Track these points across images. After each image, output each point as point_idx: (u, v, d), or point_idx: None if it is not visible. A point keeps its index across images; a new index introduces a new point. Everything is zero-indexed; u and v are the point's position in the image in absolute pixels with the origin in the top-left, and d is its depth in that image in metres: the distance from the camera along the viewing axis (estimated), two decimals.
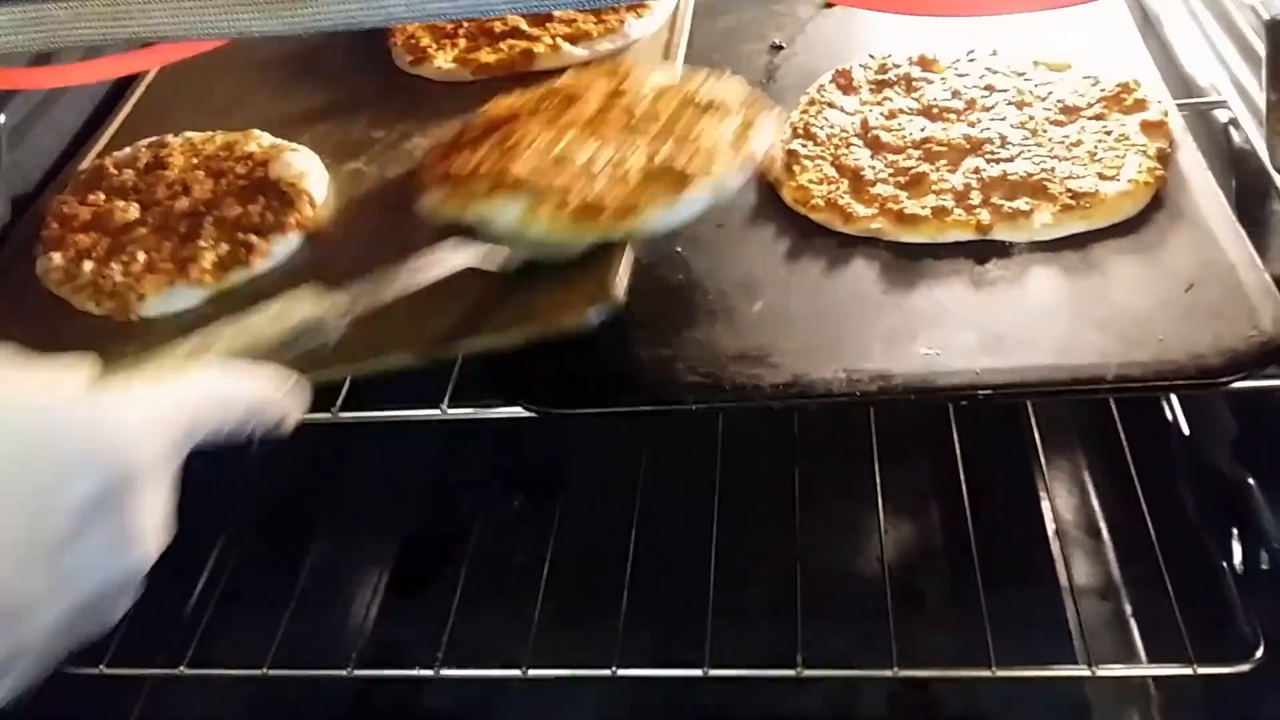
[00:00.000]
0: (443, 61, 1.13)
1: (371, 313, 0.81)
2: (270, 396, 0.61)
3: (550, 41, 1.08)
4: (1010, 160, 0.93)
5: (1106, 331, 0.80)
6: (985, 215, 0.88)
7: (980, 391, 0.78)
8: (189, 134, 1.10)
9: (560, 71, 0.98)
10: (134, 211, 1.00)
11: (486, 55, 1.10)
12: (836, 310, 0.85)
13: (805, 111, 1.03)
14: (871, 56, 1.08)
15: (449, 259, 0.79)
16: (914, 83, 1.04)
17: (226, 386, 0.59)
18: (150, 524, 0.51)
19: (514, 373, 0.85)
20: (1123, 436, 1.17)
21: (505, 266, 0.81)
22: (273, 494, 1.40)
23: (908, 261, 0.88)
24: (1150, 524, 1.09)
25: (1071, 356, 0.79)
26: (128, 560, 0.50)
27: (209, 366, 0.62)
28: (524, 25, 1.12)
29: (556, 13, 1.09)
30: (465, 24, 1.15)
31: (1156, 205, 0.90)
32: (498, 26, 1.13)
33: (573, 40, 1.08)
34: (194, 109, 1.17)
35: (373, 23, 0.57)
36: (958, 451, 1.19)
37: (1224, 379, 0.77)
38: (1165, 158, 0.93)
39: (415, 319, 0.81)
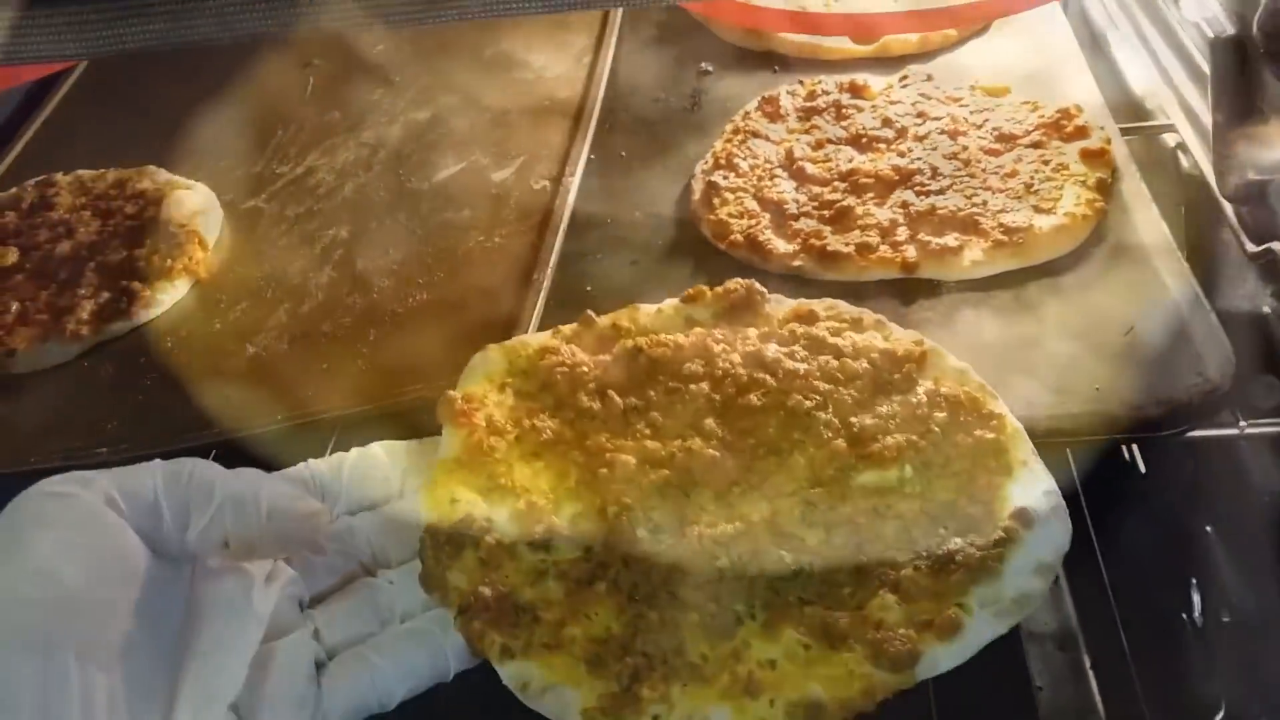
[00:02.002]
0: None
1: None
2: None
3: None
4: (941, 193, 0.87)
5: (1038, 380, 0.74)
6: (912, 252, 0.82)
7: None
8: (80, 171, 1.03)
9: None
10: (12, 256, 0.94)
11: None
12: None
13: (729, 140, 0.97)
14: (800, 82, 1.02)
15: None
16: (844, 109, 0.98)
17: None
18: None
19: None
20: (1076, 478, 1.10)
21: None
22: None
23: None
24: (1105, 571, 1.02)
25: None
26: None
27: None
28: None
29: None
30: None
31: (1096, 239, 0.84)
32: None
33: None
34: (91, 143, 1.11)
35: None
36: None
37: (1163, 432, 0.71)
38: (1106, 188, 0.87)
39: None
